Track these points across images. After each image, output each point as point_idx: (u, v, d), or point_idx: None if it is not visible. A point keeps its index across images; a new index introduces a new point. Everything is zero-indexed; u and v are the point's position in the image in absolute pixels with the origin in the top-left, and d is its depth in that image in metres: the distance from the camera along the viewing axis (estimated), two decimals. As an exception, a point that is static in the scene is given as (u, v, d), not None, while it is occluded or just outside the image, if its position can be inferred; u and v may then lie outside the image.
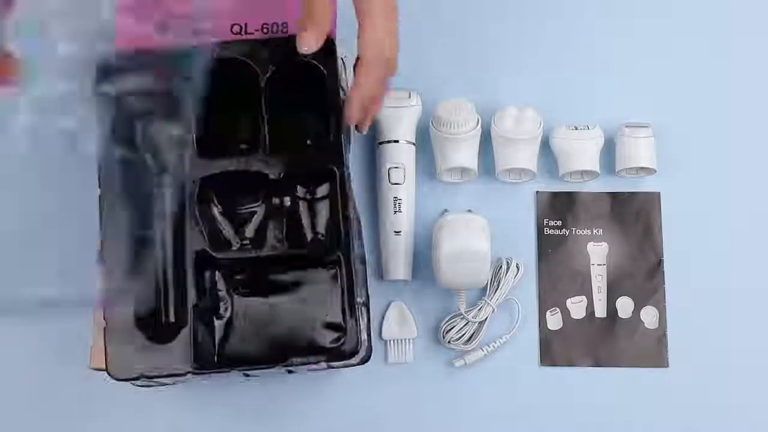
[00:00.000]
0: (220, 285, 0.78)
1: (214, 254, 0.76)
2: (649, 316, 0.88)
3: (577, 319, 0.88)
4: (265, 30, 0.82)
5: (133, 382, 0.75)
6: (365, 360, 0.79)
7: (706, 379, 0.87)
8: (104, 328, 0.74)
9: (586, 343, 0.88)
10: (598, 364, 0.87)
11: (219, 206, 0.79)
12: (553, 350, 0.88)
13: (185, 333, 0.74)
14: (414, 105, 0.89)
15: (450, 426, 0.86)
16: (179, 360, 0.74)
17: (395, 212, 0.86)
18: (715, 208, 0.90)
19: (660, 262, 0.89)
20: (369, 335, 0.80)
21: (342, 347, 0.74)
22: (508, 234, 0.89)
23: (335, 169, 0.76)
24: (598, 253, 0.90)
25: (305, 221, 0.80)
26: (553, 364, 0.87)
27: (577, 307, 0.88)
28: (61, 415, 0.87)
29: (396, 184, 0.87)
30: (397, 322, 0.87)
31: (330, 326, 0.77)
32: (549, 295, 0.89)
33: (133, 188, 0.76)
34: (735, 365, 0.87)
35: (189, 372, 0.73)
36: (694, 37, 0.95)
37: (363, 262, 0.82)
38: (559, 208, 0.91)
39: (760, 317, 0.88)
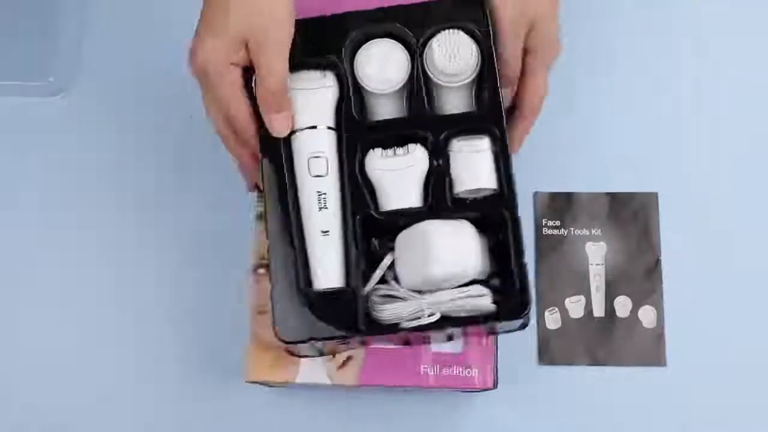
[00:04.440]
0: (382, 248, 0.77)
1: (377, 216, 0.76)
2: (647, 315, 0.89)
3: (576, 319, 0.89)
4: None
5: (300, 345, 0.74)
6: (525, 325, 0.77)
7: (703, 378, 0.87)
8: (270, 292, 0.74)
9: (585, 342, 0.88)
10: (596, 363, 0.88)
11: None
12: (552, 349, 0.88)
13: (351, 297, 0.74)
14: (330, 85, 0.79)
15: (448, 425, 0.87)
16: (346, 323, 0.74)
17: (320, 209, 0.77)
18: (713, 208, 0.91)
19: (658, 262, 0.90)
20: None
21: (510, 307, 0.73)
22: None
23: (496, 129, 0.76)
24: (596, 253, 0.90)
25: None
26: (552, 363, 0.88)
27: (575, 306, 0.89)
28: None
29: (318, 176, 0.77)
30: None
31: (492, 288, 0.75)
32: (548, 295, 0.89)
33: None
34: (732, 364, 0.88)
35: (357, 334, 0.74)
36: (690, 40, 0.96)
37: None
38: (558, 208, 0.91)
39: (757, 316, 0.89)
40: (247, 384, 0.81)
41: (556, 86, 0.92)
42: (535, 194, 0.92)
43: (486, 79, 0.78)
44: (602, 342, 0.88)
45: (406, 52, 0.79)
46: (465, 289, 0.74)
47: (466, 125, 0.78)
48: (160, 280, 0.90)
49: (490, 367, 0.80)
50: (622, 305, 0.89)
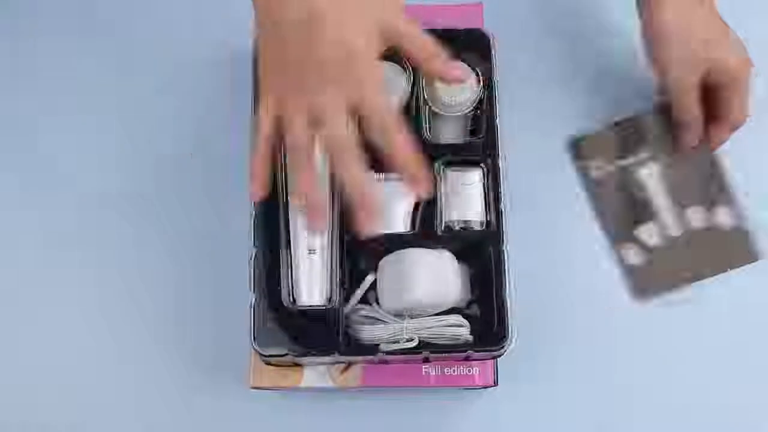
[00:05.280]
0: (368, 265, 0.78)
1: (364, 239, 0.75)
2: (723, 216, 0.86)
3: (655, 246, 0.86)
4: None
5: (279, 359, 0.75)
6: (499, 355, 0.77)
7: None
8: (251, 304, 0.75)
9: (673, 264, 0.85)
10: (691, 280, 0.85)
11: None
12: (644, 283, 0.85)
13: (331, 315, 0.75)
14: None
15: (450, 423, 0.85)
16: (325, 340, 0.75)
17: None
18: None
19: (714, 159, 0.87)
20: None
21: (488, 339, 0.74)
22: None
23: (489, 161, 0.78)
24: (650, 175, 0.87)
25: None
26: (649, 296, 0.85)
27: (650, 234, 0.86)
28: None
29: None
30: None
31: (472, 316, 0.77)
32: (620, 232, 0.86)
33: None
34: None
35: (335, 352, 0.74)
36: None
37: None
38: (593, 147, 0.88)
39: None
40: (252, 389, 0.80)
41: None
42: (568, 139, 0.89)
43: (483, 111, 0.80)
44: (689, 258, 0.85)
45: (406, 76, 0.80)
46: (444, 317, 0.76)
47: (460, 156, 0.79)
48: (164, 281, 0.87)
49: (491, 365, 0.79)
50: (695, 215, 0.86)
